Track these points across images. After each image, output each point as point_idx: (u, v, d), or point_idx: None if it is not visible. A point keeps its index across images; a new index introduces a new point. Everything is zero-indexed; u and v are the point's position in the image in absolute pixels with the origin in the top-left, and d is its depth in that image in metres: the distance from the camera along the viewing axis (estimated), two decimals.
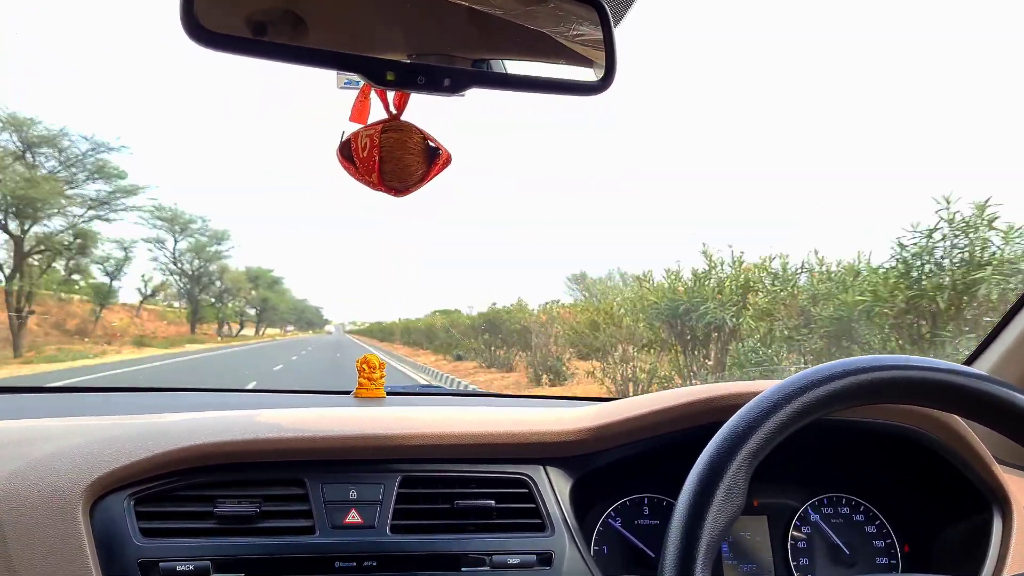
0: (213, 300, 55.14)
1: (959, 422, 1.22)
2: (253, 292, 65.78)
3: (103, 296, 38.45)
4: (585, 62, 0.97)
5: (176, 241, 48.55)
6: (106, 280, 39.30)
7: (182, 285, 51.59)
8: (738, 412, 0.84)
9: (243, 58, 0.82)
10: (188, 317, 52.37)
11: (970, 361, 1.58)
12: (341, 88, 1.03)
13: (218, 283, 54.97)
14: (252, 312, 70.79)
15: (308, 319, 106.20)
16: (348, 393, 1.76)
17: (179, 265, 50.36)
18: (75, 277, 38.25)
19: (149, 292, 48.45)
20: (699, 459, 0.82)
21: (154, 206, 45.26)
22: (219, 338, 52.45)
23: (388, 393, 1.75)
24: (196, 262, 50.80)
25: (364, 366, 1.75)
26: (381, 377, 1.76)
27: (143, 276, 48.60)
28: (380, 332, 64.93)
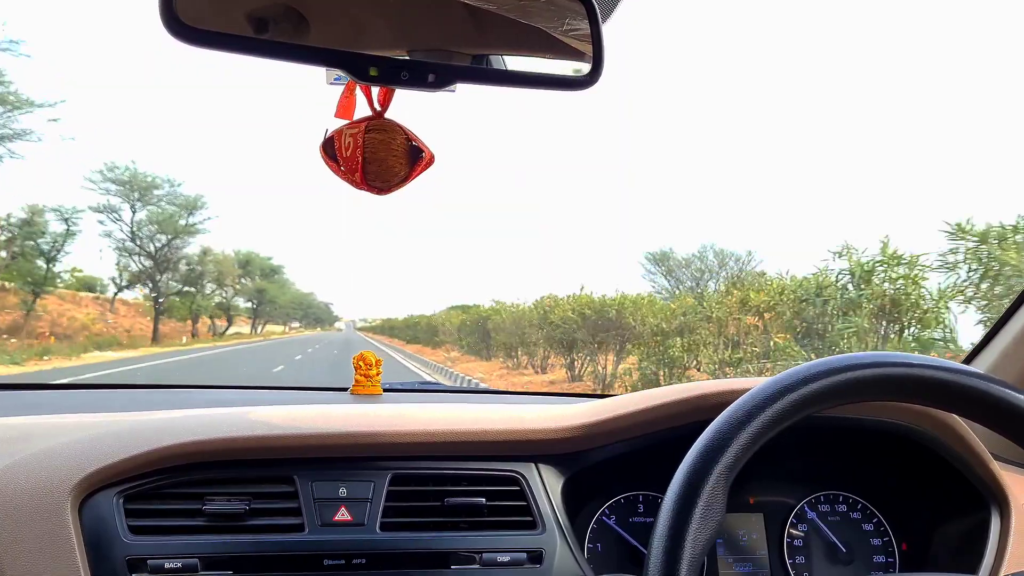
0: (183, 288, 41.71)
1: (956, 420, 1.21)
2: (245, 281, 54.45)
3: (37, 283, 29.67)
4: (573, 57, 0.97)
5: (134, 210, 37.13)
6: (66, 262, 31.29)
7: (143, 268, 38.46)
8: (712, 424, 0.83)
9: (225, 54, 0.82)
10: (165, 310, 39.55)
11: (968, 360, 1.57)
12: (330, 84, 1.03)
13: (196, 267, 42.32)
14: (247, 306, 59.44)
15: (315, 315, 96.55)
16: (345, 390, 1.76)
17: (138, 242, 37.54)
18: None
19: (125, 283, 38.86)
20: (675, 477, 0.81)
21: (106, 165, 35.58)
22: (183, 340, 38.99)
23: (385, 390, 1.75)
24: (161, 237, 38.01)
25: (361, 363, 1.75)
26: (378, 374, 1.76)
27: (118, 264, 38.72)
28: (407, 330, 49.46)
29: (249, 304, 60.09)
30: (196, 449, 1.11)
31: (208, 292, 46.55)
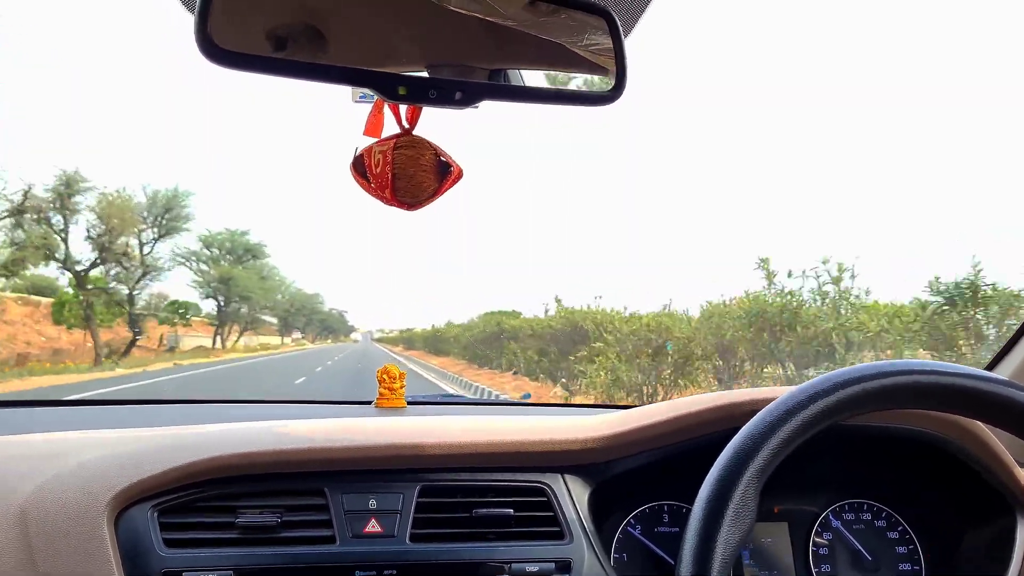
0: None
1: (981, 426, 1.21)
2: (205, 269, 35.38)
3: None
4: (596, 72, 0.98)
5: None
6: None
7: None
8: (743, 427, 0.83)
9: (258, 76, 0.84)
10: None
11: (991, 366, 1.56)
12: (356, 102, 1.05)
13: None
14: (211, 306, 39.19)
15: (323, 322, 78.95)
16: (369, 403, 1.77)
17: None
18: None
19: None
20: (707, 479, 0.82)
21: None
22: None
23: (409, 403, 1.76)
24: None
25: (384, 376, 1.77)
26: (401, 387, 1.77)
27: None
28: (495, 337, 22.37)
29: (214, 303, 38.74)
30: (229, 463, 1.13)
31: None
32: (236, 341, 43.24)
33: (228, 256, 39.84)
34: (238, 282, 38.77)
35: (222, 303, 39.00)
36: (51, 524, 1.03)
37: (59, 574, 1.00)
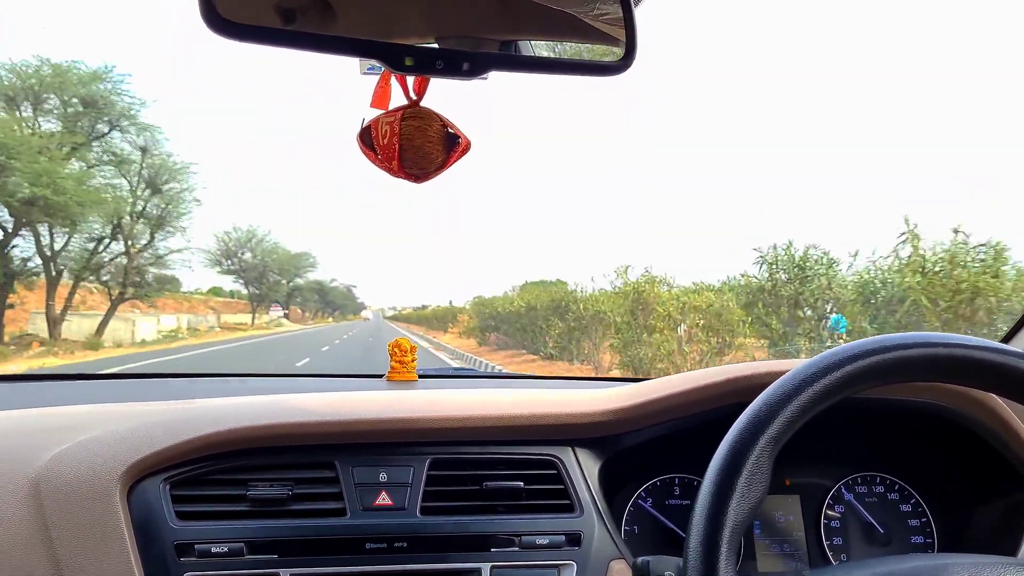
0: None
1: (995, 400, 1.20)
2: None
3: None
4: (606, 42, 0.97)
5: None
6: None
7: None
8: (760, 395, 0.83)
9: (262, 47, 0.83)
10: None
11: (1007, 339, 1.55)
12: (363, 74, 1.04)
13: None
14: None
15: (321, 294, 64.32)
16: (381, 377, 1.78)
17: None
18: None
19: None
20: (721, 444, 0.82)
21: None
22: None
23: (420, 376, 1.77)
24: None
25: (396, 349, 1.77)
26: (413, 360, 1.78)
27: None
28: None
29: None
30: (240, 436, 1.13)
31: None
32: (104, 322, 22.25)
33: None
34: (57, 194, 16.61)
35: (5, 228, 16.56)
36: (64, 497, 1.04)
37: (72, 546, 1.01)
